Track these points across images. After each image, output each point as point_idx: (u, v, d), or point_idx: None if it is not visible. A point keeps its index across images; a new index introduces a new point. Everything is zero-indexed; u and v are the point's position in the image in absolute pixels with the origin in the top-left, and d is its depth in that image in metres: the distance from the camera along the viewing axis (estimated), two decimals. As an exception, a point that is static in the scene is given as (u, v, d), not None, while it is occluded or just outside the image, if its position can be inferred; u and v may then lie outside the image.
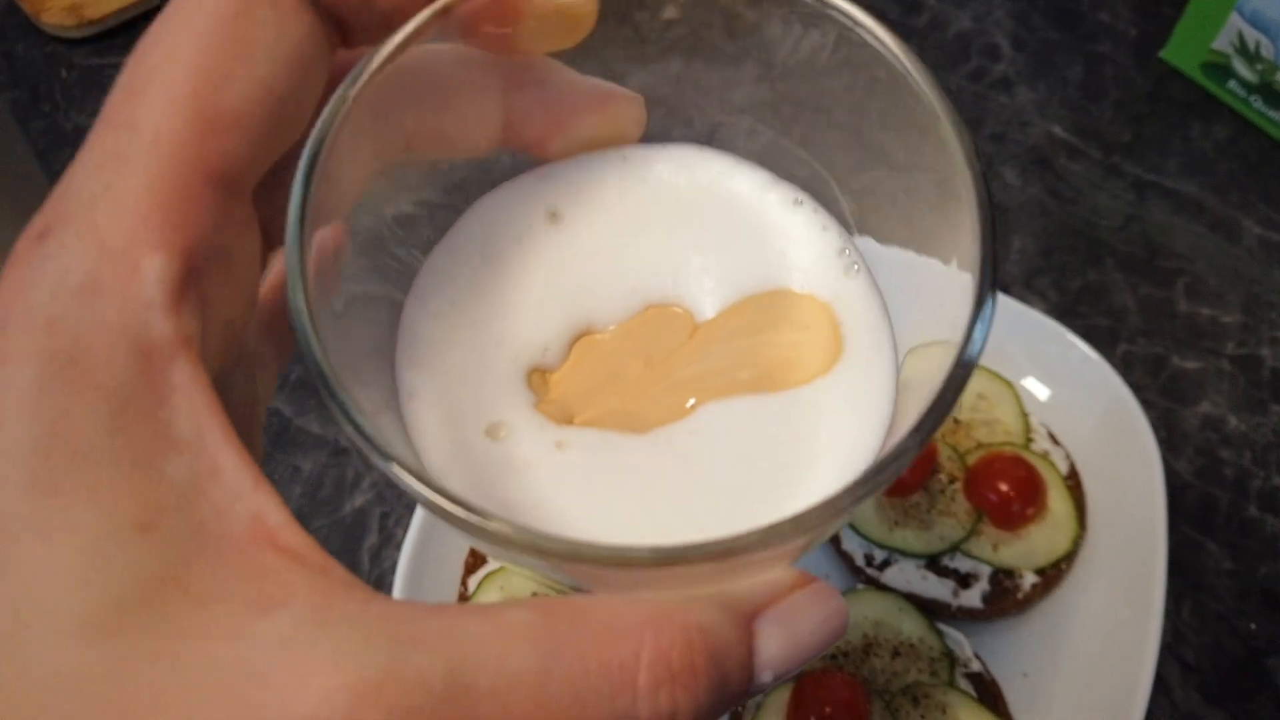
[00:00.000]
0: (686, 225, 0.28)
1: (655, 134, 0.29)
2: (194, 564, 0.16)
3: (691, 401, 0.26)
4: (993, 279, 0.22)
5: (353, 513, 0.58)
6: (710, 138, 0.29)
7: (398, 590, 0.51)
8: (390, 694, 0.15)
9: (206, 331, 0.19)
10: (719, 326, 0.27)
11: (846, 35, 0.25)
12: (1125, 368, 0.62)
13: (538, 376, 0.26)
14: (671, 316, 0.27)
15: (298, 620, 0.16)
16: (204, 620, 0.16)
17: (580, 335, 0.26)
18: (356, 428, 0.19)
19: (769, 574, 0.21)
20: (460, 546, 0.54)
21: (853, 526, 0.54)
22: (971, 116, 0.73)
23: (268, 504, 0.18)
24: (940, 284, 0.24)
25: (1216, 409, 0.61)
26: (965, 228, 0.23)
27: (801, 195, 0.29)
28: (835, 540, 0.55)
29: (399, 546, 0.55)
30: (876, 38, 0.24)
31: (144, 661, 0.15)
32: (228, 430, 0.18)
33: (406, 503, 0.58)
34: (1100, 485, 0.56)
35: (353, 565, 0.56)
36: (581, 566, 0.20)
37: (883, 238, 0.28)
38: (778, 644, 0.20)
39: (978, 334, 0.21)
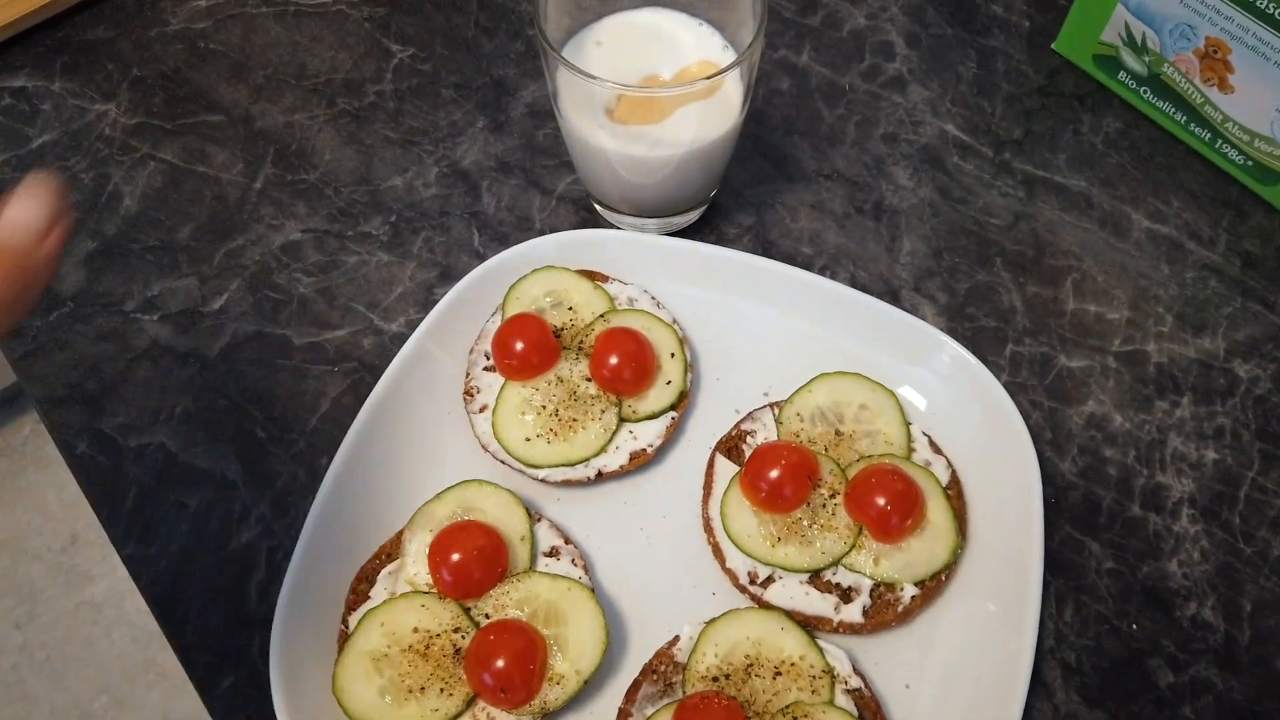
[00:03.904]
0: None
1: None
2: None
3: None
4: None
5: (240, 548, 0.58)
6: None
7: (277, 627, 0.51)
8: None
9: None
10: None
11: None
12: (1013, 368, 0.63)
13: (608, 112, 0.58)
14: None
15: None
16: None
17: (621, 97, 0.59)
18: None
19: None
20: (342, 582, 0.54)
21: (735, 544, 0.54)
22: (864, 117, 0.73)
23: None
24: None
25: (1101, 407, 0.62)
26: None
27: None
28: (720, 557, 0.55)
29: (286, 581, 0.55)
30: None
31: None
32: None
33: (294, 534, 0.58)
34: (980, 492, 0.56)
35: (240, 601, 0.56)
36: None
37: None
38: None
39: None
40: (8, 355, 0.64)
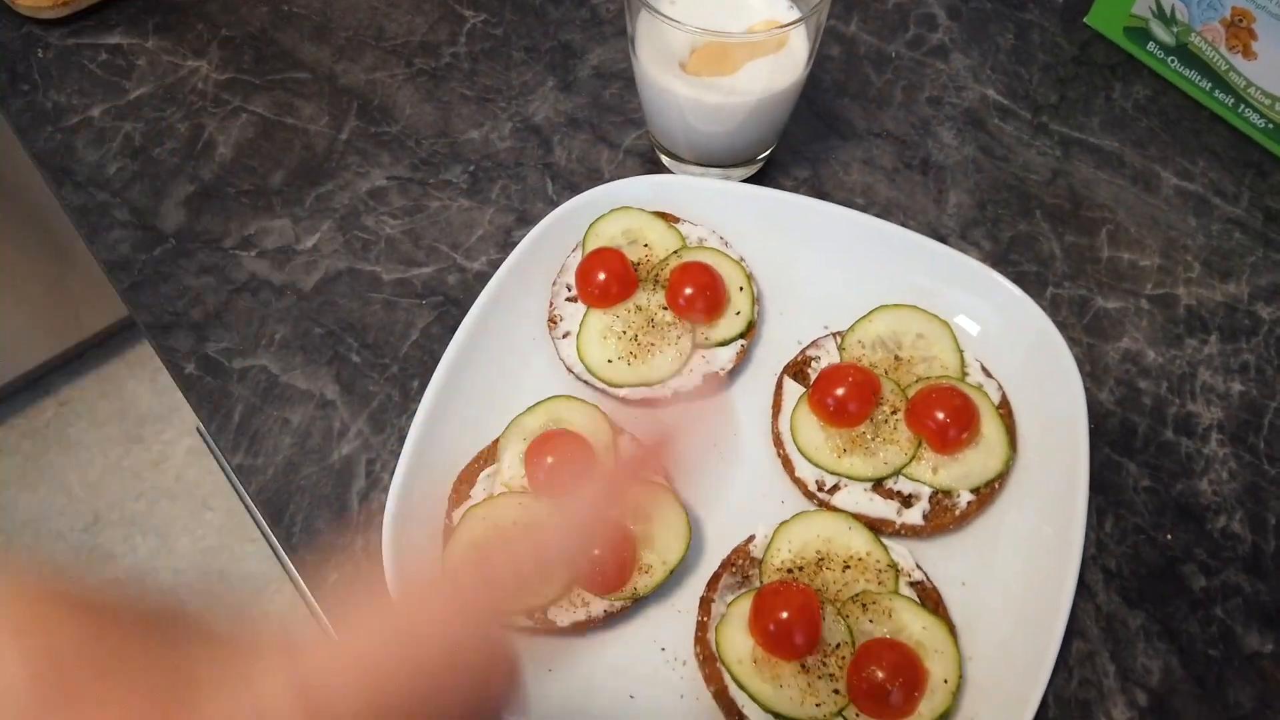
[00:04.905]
0: None
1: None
2: None
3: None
4: None
5: (340, 460, 0.62)
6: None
7: (388, 525, 0.55)
8: None
9: None
10: None
11: None
12: (1053, 308, 0.68)
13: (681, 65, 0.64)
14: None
15: None
16: None
17: (694, 50, 0.64)
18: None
19: None
20: (444, 483, 0.58)
21: (804, 455, 0.59)
22: (910, 82, 0.78)
23: None
24: None
25: (1136, 344, 0.67)
26: None
27: None
28: (789, 468, 0.59)
29: (385, 489, 0.59)
30: None
31: None
32: None
33: (391, 448, 0.62)
34: (1029, 412, 0.61)
35: (342, 508, 0.60)
36: None
37: None
38: None
39: None
40: (116, 286, 0.69)
